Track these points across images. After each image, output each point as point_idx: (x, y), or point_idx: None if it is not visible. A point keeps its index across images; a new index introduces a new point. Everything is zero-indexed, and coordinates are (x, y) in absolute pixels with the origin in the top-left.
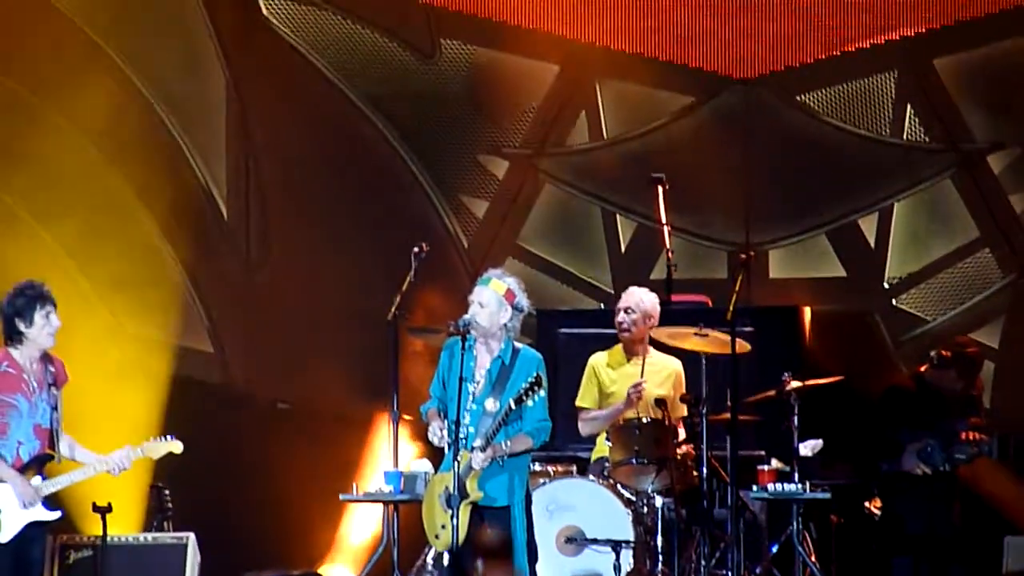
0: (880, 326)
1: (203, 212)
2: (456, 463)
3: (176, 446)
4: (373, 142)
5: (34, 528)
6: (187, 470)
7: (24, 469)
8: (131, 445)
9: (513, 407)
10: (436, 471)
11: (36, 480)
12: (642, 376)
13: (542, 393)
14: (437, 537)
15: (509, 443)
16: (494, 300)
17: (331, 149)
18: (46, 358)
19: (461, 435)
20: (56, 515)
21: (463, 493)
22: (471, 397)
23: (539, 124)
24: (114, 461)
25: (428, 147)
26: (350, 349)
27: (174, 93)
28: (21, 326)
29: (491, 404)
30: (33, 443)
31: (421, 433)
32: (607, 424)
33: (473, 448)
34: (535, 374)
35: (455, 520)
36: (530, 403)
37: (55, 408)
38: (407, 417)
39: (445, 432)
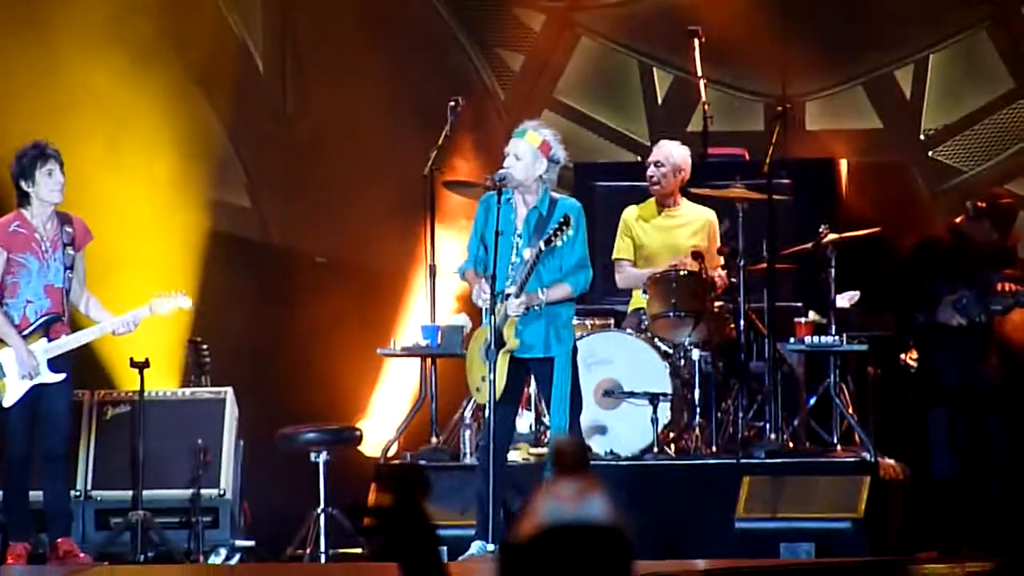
0: (916, 178)
1: (238, 66)
2: (493, 316)
3: (185, 302)
4: None
5: (49, 387)
6: (225, 325)
7: (31, 332)
8: (138, 307)
9: (543, 248)
10: (479, 326)
11: (42, 343)
12: (675, 229)
13: (570, 232)
14: (478, 390)
15: (545, 291)
16: (529, 152)
17: (368, 3)
18: (63, 218)
19: (505, 288)
20: (60, 377)
21: (500, 342)
22: (514, 250)
23: None
24: (119, 321)
25: (464, 0)
26: (387, 203)
27: None
28: (26, 186)
29: (529, 254)
30: (43, 302)
31: (459, 290)
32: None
33: (507, 295)
34: (564, 215)
35: (492, 374)
36: (559, 243)
37: (70, 268)
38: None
39: (489, 292)
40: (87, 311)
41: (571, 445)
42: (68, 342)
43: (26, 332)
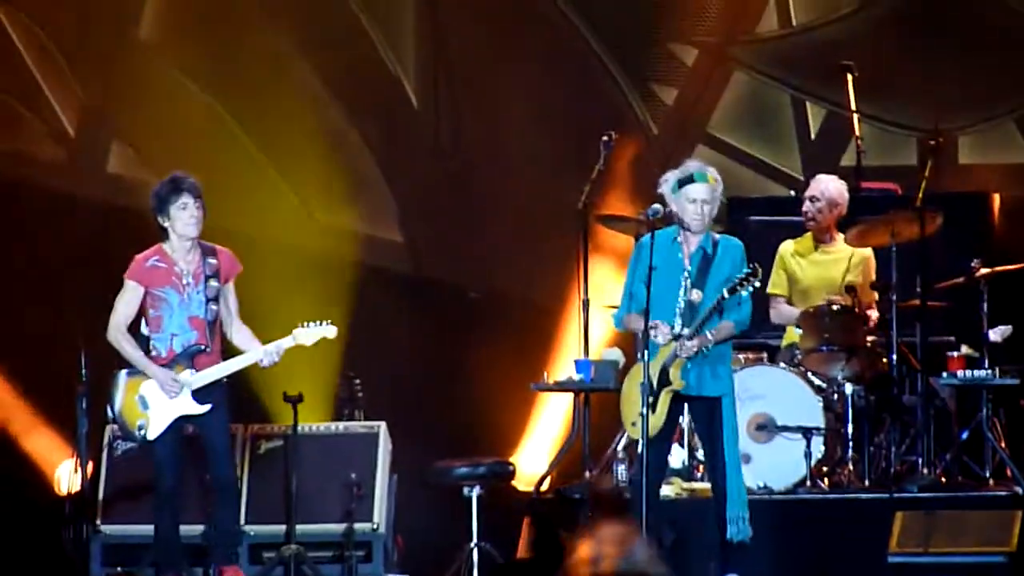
0: None
1: (392, 102)
2: (645, 350)
3: (330, 331)
4: (563, 31)
5: (206, 420)
6: (378, 359)
7: (173, 363)
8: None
9: (727, 296)
10: (636, 360)
11: (186, 374)
12: (831, 264)
13: (756, 284)
14: (634, 424)
15: (714, 332)
16: (714, 195)
17: (521, 37)
18: (207, 250)
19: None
20: (206, 408)
21: (665, 381)
22: (681, 289)
23: (728, 12)
24: (263, 351)
25: (618, 35)
26: (540, 237)
27: None
28: (162, 220)
29: (695, 295)
30: (189, 334)
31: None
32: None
33: (679, 336)
34: (753, 266)
35: (645, 408)
36: (744, 293)
37: (213, 300)
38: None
39: (663, 327)
40: (237, 341)
41: (608, 488)
42: (213, 372)
43: (170, 363)
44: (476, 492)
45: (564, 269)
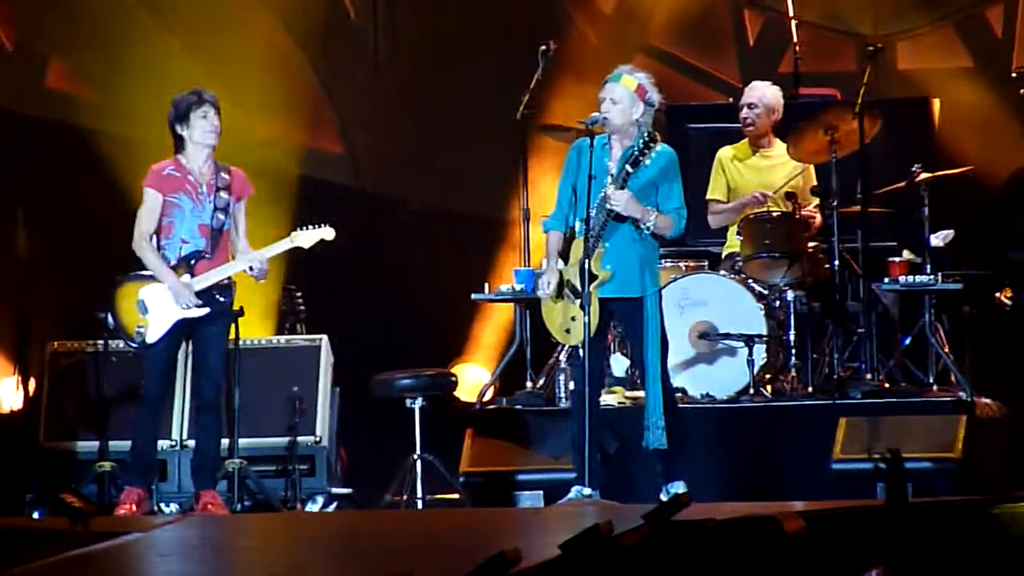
0: (1008, 115)
1: (329, 13)
2: (588, 259)
3: (328, 232)
4: None
5: (203, 334)
6: (319, 273)
7: (175, 268)
8: (273, 243)
9: (630, 170)
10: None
11: (185, 278)
12: (770, 169)
13: (657, 149)
14: (568, 331)
15: (655, 213)
16: (626, 96)
17: None
18: (220, 167)
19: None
20: (204, 311)
21: (591, 277)
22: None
23: None
24: (255, 256)
25: None
26: (481, 149)
27: None
28: (180, 129)
29: (611, 191)
30: (198, 241)
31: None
32: (735, 216)
33: (608, 189)
34: (651, 132)
35: (587, 315)
36: (647, 161)
37: (221, 210)
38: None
39: (552, 284)
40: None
41: None
42: (209, 276)
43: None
44: (419, 404)
45: (505, 180)
